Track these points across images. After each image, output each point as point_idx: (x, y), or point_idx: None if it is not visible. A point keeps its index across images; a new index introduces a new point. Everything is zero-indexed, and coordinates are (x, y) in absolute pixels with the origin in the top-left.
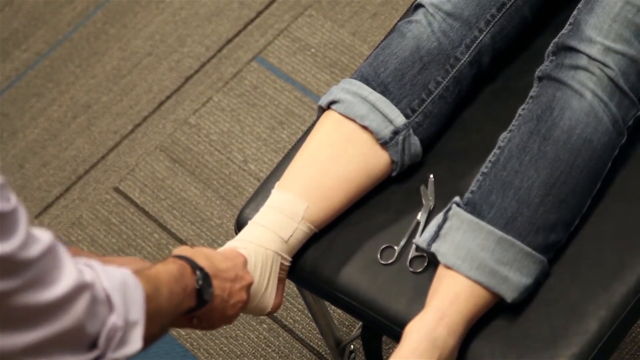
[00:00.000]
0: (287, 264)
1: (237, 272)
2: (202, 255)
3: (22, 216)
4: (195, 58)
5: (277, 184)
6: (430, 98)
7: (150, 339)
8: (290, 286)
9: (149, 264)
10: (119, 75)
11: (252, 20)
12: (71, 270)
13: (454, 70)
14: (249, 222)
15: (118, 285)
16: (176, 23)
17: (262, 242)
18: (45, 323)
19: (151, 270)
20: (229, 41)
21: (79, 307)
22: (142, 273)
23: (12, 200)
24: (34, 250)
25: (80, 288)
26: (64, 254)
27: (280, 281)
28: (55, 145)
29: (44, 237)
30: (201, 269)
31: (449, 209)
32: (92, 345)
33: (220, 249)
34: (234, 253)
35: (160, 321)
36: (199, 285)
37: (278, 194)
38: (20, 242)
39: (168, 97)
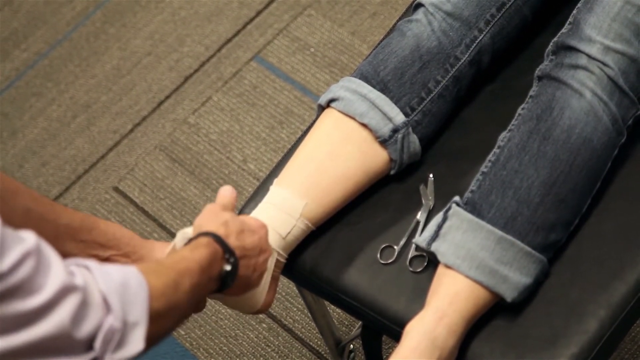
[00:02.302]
0: (283, 260)
1: (261, 246)
2: (234, 233)
3: None
4: (195, 57)
5: (276, 181)
6: (430, 97)
7: (165, 332)
8: (290, 286)
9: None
10: (119, 74)
11: (251, 20)
12: (57, 275)
13: (454, 69)
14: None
15: (116, 286)
16: (175, 23)
17: None
18: (27, 329)
19: (176, 257)
20: (229, 41)
21: (63, 312)
22: (163, 265)
23: None
24: (8, 260)
25: (66, 292)
26: (50, 256)
27: (274, 279)
28: (54, 145)
29: (26, 241)
30: (232, 253)
31: (449, 209)
32: (90, 346)
33: (242, 217)
34: (258, 223)
35: (177, 314)
36: (226, 273)
37: (277, 191)
38: None
39: (167, 97)
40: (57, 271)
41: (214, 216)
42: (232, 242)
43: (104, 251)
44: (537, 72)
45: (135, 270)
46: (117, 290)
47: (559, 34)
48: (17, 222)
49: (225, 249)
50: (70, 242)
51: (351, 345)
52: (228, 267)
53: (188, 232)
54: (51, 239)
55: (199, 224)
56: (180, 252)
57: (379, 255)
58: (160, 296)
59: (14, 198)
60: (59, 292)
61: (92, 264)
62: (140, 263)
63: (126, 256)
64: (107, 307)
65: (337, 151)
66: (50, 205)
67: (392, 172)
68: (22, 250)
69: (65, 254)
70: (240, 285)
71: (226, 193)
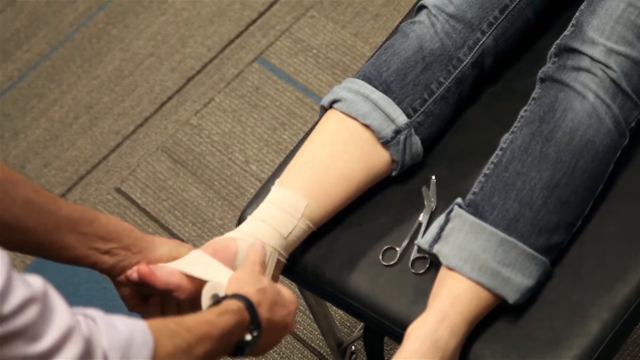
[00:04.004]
0: (284, 261)
1: (287, 322)
2: (267, 304)
3: (2, 265)
4: (197, 59)
5: (278, 181)
6: (432, 98)
7: None
8: (292, 287)
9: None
10: (121, 75)
11: (253, 21)
12: (60, 323)
13: (457, 71)
14: (249, 217)
15: (120, 342)
16: (178, 24)
17: (262, 236)
18: None
19: (200, 318)
20: (231, 42)
21: None
22: (181, 326)
23: None
24: (11, 304)
25: (68, 341)
26: (56, 303)
27: (273, 279)
28: (56, 146)
29: (32, 286)
30: (257, 325)
31: (451, 210)
32: None
33: (279, 287)
34: (291, 298)
35: None
36: (245, 342)
37: (279, 190)
38: None
39: (170, 98)
40: (62, 319)
41: (254, 277)
42: (263, 312)
43: (105, 244)
44: (540, 74)
45: (144, 325)
46: (119, 346)
47: (561, 36)
48: (18, 213)
49: (253, 320)
50: (70, 234)
51: (353, 347)
52: (249, 338)
53: (220, 285)
54: (52, 230)
55: (238, 281)
56: (207, 314)
57: (381, 257)
58: (167, 358)
59: (15, 189)
60: (61, 340)
61: (99, 315)
62: (142, 257)
63: (127, 249)
64: None
65: (339, 152)
66: (50, 198)
67: (393, 173)
68: (27, 294)
69: (66, 247)
70: (251, 352)
71: (257, 248)
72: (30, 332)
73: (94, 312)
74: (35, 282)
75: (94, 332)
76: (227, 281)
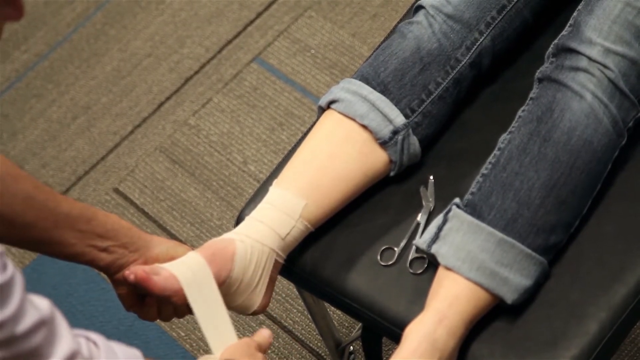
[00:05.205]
0: (281, 261)
1: None
2: None
3: (17, 286)
4: (195, 59)
5: (275, 182)
6: (430, 99)
7: None
8: (290, 287)
9: None
10: (119, 76)
11: (251, 22)
12: (64, 347)
13: (454, 71)
14: (247, 218)
15: None
16: (176, 24)
17: (259, 237)
18: None
19: None
20: (229, 42)
21: None
22: None
23: (9, 270)
24: (24, 325)
25: None
26: (61, 327)
27: (271, 280)
28: (54, 147)
29: (41, 310)
30: None
31: (449, 211)
32: None
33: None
34: None
35: None
36: None
37: (276, 191)
38: (11, 314)
39: (168, 98)
40: (66, 343)
41: (250, 351)
42: None
43: (103, 242)
44: (538, 74)
45: (140, 355)
46: None
47: (559, 36)
48: (18, 208)
49: None
50: (69, 231)
51: (351, 347)
52: None
53: (214, 357)
54: (51, 226)
55: (234, 351)
56: None
57: (379, 257)
58: None
59: (16, 183)
60: None
61: (101, 340)
62: (139, 255)
63: (124, 247)
64: None
65: (337, 152)
66: (51, 194)
67: (391, 174)
68: (38, 317)
69: (64, 243)
70: None
71: (265, 334)
72: (37, 355)
73: (96, 337)
74: (44, 305)
75: (95, 356)
76: (220, 349)
